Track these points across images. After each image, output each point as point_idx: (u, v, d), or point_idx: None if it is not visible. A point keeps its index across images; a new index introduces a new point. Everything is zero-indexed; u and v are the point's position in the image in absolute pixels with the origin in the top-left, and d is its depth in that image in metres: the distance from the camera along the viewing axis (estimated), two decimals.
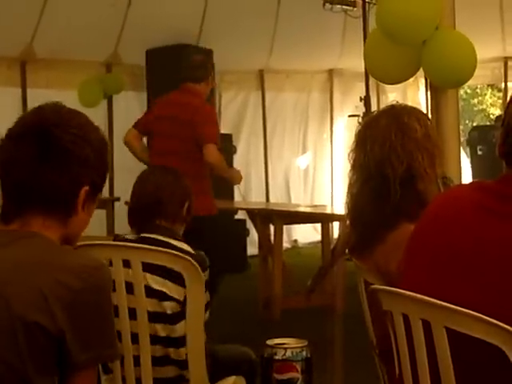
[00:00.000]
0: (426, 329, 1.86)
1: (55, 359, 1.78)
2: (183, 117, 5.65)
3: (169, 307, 3.04)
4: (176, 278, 2.99)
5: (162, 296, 3.04)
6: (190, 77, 5.81)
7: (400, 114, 2.85)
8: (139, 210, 3.32)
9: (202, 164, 5.63)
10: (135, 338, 2.96)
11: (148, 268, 3.00)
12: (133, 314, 2.95)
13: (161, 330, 3.05)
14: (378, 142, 2.78)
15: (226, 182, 8.98)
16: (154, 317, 3.01)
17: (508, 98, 2.13)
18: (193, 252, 3.12)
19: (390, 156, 2.76)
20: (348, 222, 2.95)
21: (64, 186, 1.87)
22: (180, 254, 2.97)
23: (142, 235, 3.20)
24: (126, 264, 2.94)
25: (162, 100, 5.99)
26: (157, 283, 3.03)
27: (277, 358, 2.27)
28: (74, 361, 1.78)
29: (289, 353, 2.26)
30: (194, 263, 2.92)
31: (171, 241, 3.17)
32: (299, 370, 2.26)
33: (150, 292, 3.01)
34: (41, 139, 1.84)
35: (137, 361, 2.97)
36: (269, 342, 2.30)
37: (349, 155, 2.92)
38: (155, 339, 3.02)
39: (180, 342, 3.03)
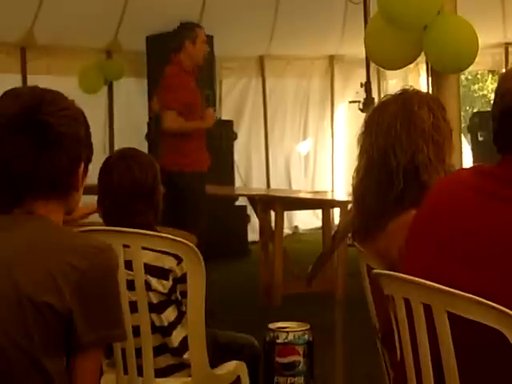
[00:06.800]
0: (428, 313, 1.87)
1: (63, 339, 1.79)
2: (161, 86, 6.48)
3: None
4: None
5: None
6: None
7: (411, 101, 2.77)
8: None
9: None
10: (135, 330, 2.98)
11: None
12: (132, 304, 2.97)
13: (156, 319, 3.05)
14: (383, 130, 2.74)
15: (227, 169, 9.02)
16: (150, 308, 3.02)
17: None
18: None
19: (394, 146, 2.71)
20: (352, 205, 2.93)
21: (64, 169, 1.87)
22: (180, 239, 2.97)
23: None
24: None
25: None
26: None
27: (279, 341, 2.27)
28: (80, 341, 1.79)
29: (291, 336, 2.26)
30: (194, 247, 2.93)
31: None
32: (301, 353, 2.27)
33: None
34: (35, 129, 1.82)
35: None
36: (271, 326, 2.30)
37: (358, 139, 2.89)
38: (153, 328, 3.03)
39: (170, 328, 3.05)
